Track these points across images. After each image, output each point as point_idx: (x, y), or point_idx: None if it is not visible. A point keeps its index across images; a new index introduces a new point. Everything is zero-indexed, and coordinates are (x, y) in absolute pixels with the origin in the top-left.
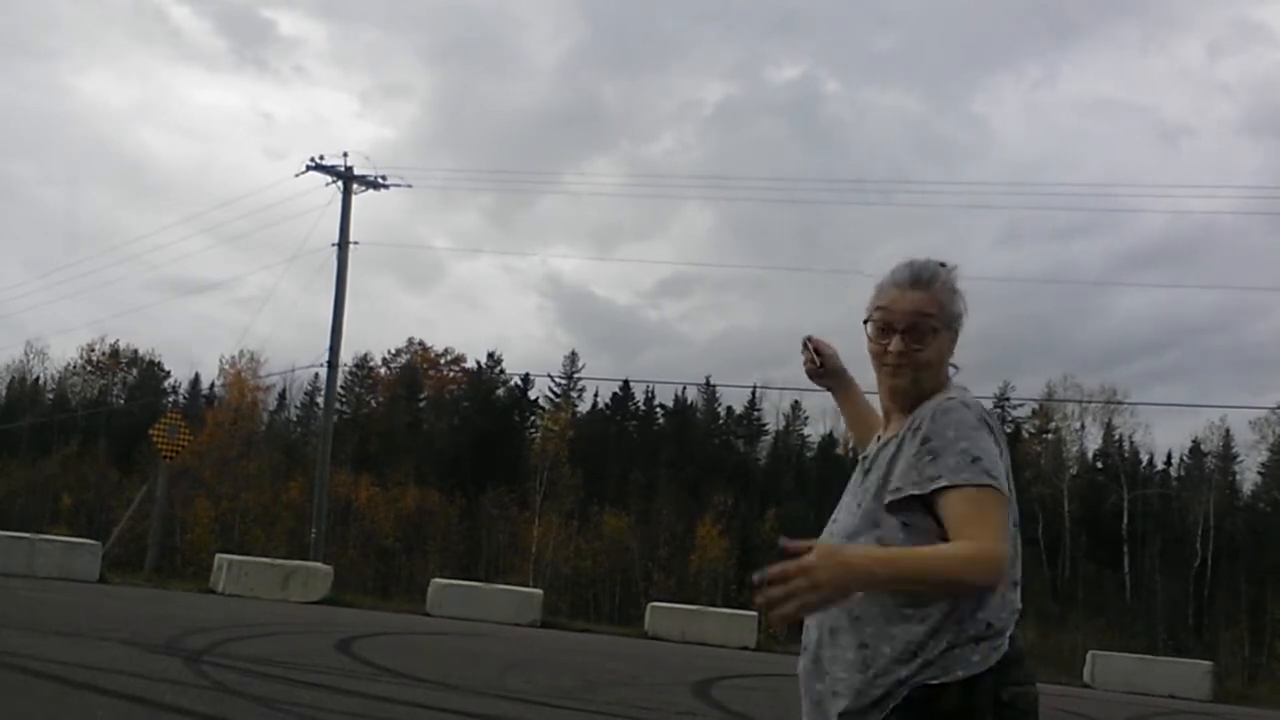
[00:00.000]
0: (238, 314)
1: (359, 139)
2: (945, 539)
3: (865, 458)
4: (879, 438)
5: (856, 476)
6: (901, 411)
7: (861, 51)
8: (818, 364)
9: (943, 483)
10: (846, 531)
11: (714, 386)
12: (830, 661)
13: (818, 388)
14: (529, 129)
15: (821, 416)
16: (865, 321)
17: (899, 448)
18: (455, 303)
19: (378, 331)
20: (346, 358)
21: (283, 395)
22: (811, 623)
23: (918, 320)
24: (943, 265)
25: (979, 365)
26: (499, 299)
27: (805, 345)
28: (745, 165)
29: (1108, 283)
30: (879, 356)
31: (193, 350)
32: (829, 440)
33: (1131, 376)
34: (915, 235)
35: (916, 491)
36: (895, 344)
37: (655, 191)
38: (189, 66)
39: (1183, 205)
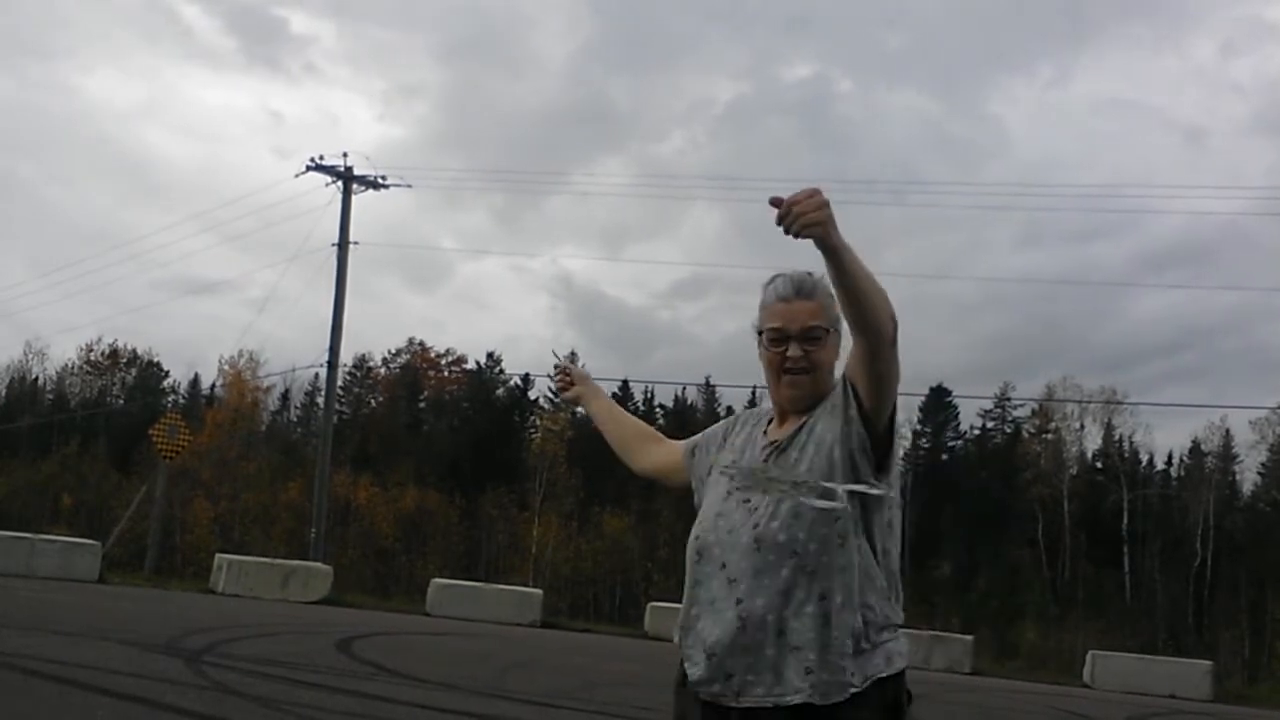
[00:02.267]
0: (243, 314)
1: (368, 138)
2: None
3: (773, 447)
4: (770, 439)
5: (743, 475)
6: (799, 413)
7: (873, 50)
8: (569, 384)
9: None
10: (790, 512)
11: (714, 386)
12: (791, 650)
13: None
14: (538, 128)
15: None
16: (760, 334)
17: (811, 431)
18: (463, 303)
19: (385, 332)
20: (350, 358)
21: (285, 395)
22: (757, 595)
23: (810, 328)
24: (810, 275)
25: (990, 366)
26: (507, 299)
27: (558, 368)
28: (756, 165)
29: (1119, 283)
30: (776, 365)
31: (199, 350)
32: None
33: (1146, 377)
34: (927, 236)
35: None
36: (793, 350)
37: (665, 191)
38: (198, 65)
39: (1195, 206)
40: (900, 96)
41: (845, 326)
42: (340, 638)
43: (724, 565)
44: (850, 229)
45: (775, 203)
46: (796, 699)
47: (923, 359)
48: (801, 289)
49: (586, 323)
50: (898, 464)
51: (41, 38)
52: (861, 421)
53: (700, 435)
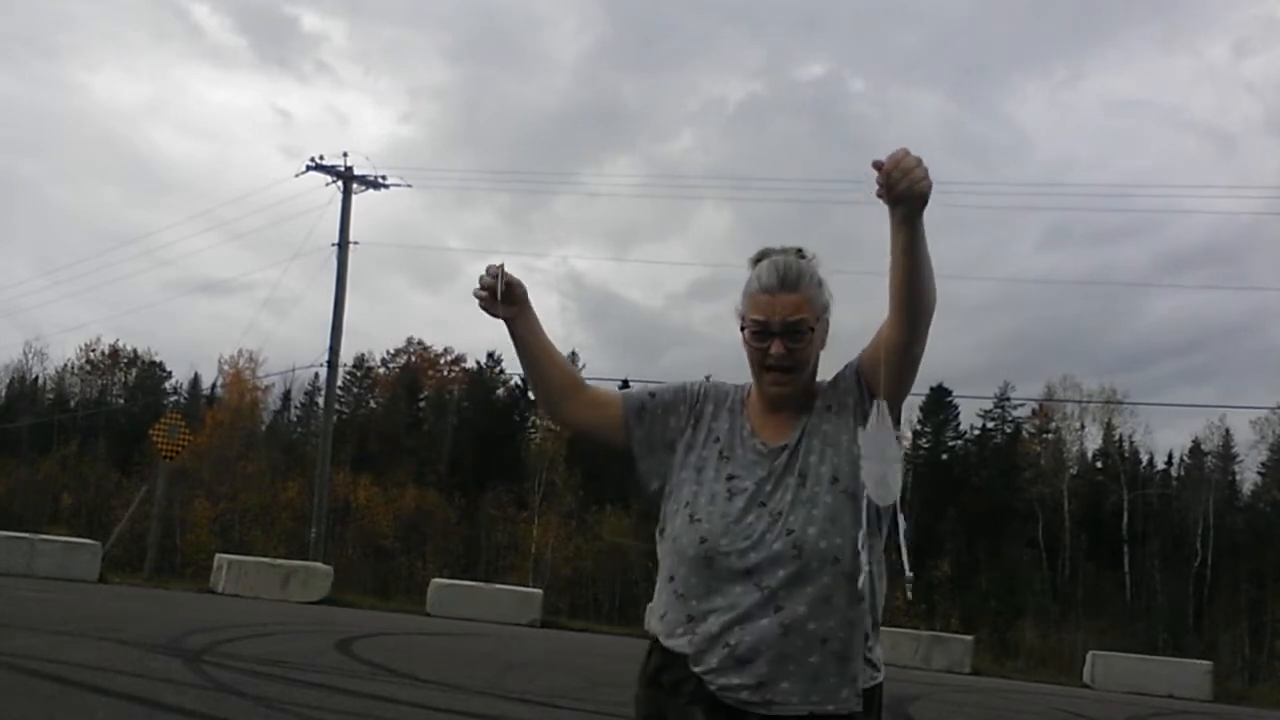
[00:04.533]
0: (246, 313)
1: (377, 137)
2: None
3: (783, 451)
4: (771, 441)
5: (756, 480)
6: (792, 411)
7: (887, 49)
8: (497, 296)
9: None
10: (826, 518)
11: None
12: (833, 656)
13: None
14: (549, 127)
15: None
16: (742, 329)
17: (817, 431)
18: (471, 303)
19: (391, 332)
20: (351, 358)
21: (285, 395)
22: (799, 602)
23: (794, 323)
24: (800, 254)
25: (999, 367)
26: None
27: (498, 274)
28: (768, 164)
29: (1126, 283)
30: (759, 361)
31: (202, 349)
32: None
33: (1154, 378)
34: (941, 237)
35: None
36: (776, 347)
37: (675, 191)
38: (206, 64)
39: (1209, 206)
40: (914, 95)
41: (830, 316)
42: (340, 638)
43: (749, 573)
44: (862, 229)
45: (878, 165)
46: (843, 709)
47: (928, 359)
48: (786, 279)
49: (599, 323)
50: None
51: (47, 35)
52: None
53: (647, 395)
